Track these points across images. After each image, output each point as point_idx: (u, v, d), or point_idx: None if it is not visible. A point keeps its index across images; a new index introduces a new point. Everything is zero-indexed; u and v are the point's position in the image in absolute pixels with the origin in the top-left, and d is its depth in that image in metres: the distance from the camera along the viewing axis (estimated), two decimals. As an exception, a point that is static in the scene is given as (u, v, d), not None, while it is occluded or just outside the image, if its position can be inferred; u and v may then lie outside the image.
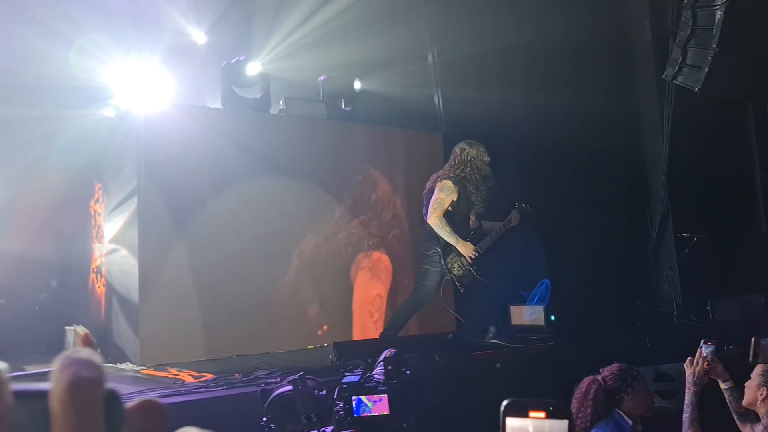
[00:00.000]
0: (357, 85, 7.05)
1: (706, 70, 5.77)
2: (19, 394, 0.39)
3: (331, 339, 5.12)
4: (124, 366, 5.31)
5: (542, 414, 0.76)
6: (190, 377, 4.27)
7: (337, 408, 1.86)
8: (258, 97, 6.32)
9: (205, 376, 4.22)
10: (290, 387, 2.07)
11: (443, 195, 5.09)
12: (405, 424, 1.77)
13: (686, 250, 6.84)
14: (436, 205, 5.09)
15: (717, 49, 5.66)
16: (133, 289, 5.44)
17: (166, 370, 4.76)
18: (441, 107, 7.23)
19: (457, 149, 5.32)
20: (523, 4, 7.10)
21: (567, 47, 7.08)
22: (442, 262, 5.15)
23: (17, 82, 6.62)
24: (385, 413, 1.77)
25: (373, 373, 1.93)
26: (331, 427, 1.87)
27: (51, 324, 6.91)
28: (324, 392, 2.04)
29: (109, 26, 6.80)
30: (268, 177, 6.11)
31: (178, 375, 4.46)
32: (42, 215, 7.43)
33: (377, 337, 5.60)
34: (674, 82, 6.28)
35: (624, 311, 6.66)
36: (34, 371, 3.31)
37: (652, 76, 7.53)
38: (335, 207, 6.50)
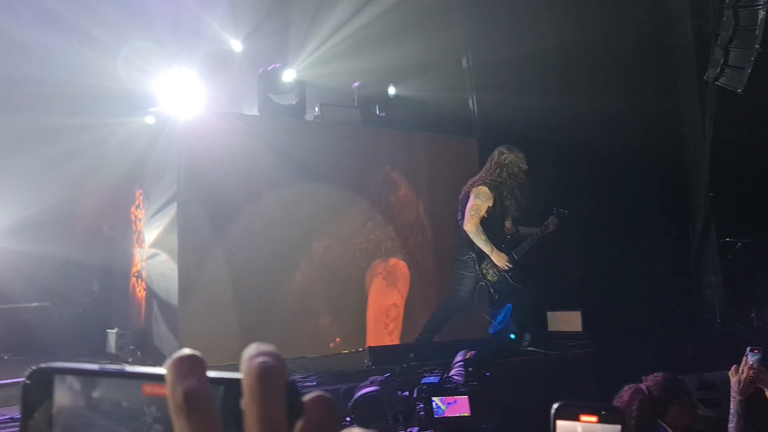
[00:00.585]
0: (391, 90, 7.07)
1: (749, 71, 5.62)
2: (214, 381, 0.43)
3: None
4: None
5: (594, 418, 0.75)
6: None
7: (417, 409, 1.87)
8: (294, 103, 6.40)
9: (243, 379, 4.26)
10: (375, 388, 2.08)
11: (479, 201, 5.06)
12: (484, 426, 1.77)
13: (730, 255, 6.66)
14: (472, 212, 5.06)
15: (760, 50, 5.51)
16: (173, 293, 5.55)
17: (205, 373, 4.83)
18: (476, 112, 7.20)
19: (495, 153, 5.29)
20: (560, 6, 7.03)
21: (605, 49, 6.98)
22: (477, 267, 5.13)
23: (62, 92, 6.83)
24: (466, 414, 1.78)
25: (452, 374, 1.94)
26: (417, 428, 1.88)
27: (93, 327, 7.10)
28: (407, 393, 2.05)
29: (149, 36, 6.98)
30: (304, 183, 6.17)
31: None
32: (86, 221, 7.64)
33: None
34: (716, 83, 6.14)
35: (664, 318, 6.52)
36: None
37: (693, 77, 7.37)
38: (373, 212, 6.52)
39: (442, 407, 1.78)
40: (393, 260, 6.55)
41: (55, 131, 6.88)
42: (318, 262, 6.14)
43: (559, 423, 0.75)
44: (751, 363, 2.64)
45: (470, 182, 5.24)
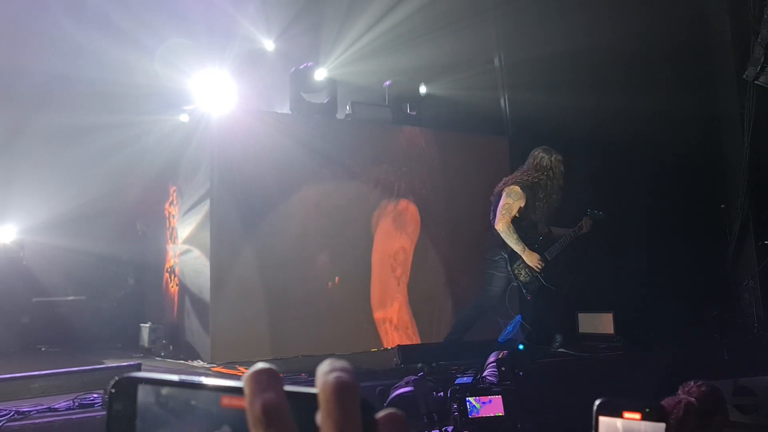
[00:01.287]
0: (422, 89, 7.06)
1: (791, 69, 5.48)
2: (291, 395, 0.43)
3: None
4: (195, 363, 5.50)
5: (637, 415, 0.74)
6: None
7: (452, 409, 1.86)
8: (325, 102, 6.43)
9: (273, 374, 4.30)
10: (410, 388, 2.09)
11: (511, 200, 5.02)
12: (519, 425, 1.77)
13: (768, 258, 6.50)
14: (504, 211, 5.03)
15: (802, 48, 5.37)
16: (205, 289, 5.63)
17: (236, 368, 4.89)
18: (507, 111, 7.15)
19: (533, 154, 5.22)
20: (594, 5, 6.93)
21: (640, 48, 6.87)
22: (509, 268, 5.09)
23: (100, 90, 6.98)
24: (500, 414, 1.78)
25: (485, 374, 1.94)
26: (451, 427, 1.88)
27: (127, 320, 7.24)
28: (442, 393, 2.05)
29: (184, 35, 7.09)
30: (335, 180, 6.20)
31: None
32: (122, 217, 7.79)
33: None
34: (756, 82, 5.99)
35: (699, 321, 6.39)
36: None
37: (732, 76, 7.21)
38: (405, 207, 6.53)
39: (477, 407, 1.77)
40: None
41: (93, 129, 7.04)
42: (350, 258, 6.17)
43: (602, 419, 0.75)
44: None
45: (504, 181, 5.21)
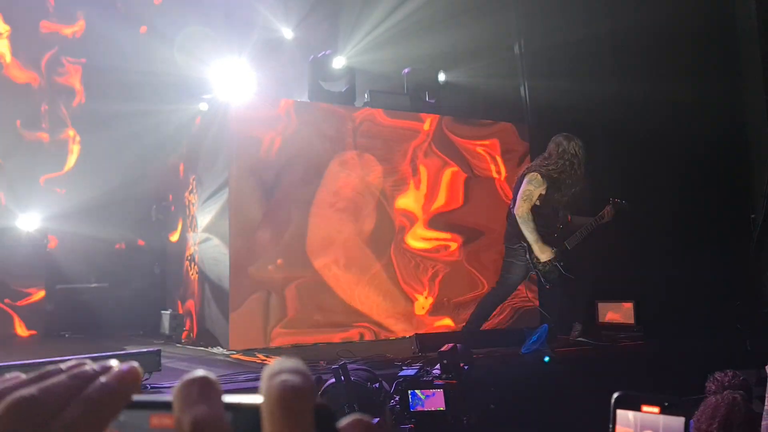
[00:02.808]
0: (441, 77, 7.01)
1: (820, 54, 5.34)
2: (229, 407, 0.36)
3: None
4: (215, 350, 5.55)
5: (656, 409, 0.73)
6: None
7: (393, 402, 1.83)
8: (344, 90, 6.42)
9: (291, 362, 4.33)
10: (332, 380, 2.05)
11: (532, 187, 4.97)
12: (465, 420, 1.75)
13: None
14: (524, 197, 4.98)
15: (832, 32, 5.22)
16: (224, 277, 5.67)
17: (255, 356, 4.94)
18: (527, 98, 7.07)
19: (556, 140, 5.15)
20: (615, -12, 6.82)
21: (663, 33, 6.74)
22: (528, 257, 5.04)
23: (119, 79, 7.04)
24: (441, 408, 1.76)
25: (433, 367, 1.91)
26: (377, 419, 1.84)
27: (149, 308, 7.33)
28: (377, 384, 2.01)
29: (203, 24, 7.11)
30: (354, 169, 6.19)
31: (265, 360, 4.61)
32: (143, 205, 7.87)
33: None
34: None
35: (721, 311, 6.30)
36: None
37: (758, 62, 7.04)
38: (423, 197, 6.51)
39: (421, 399, 1.76)
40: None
41: (115, 117, 7.11)
42: (372, 245, 6.17)
43: (620, 412, 0.73)
44: None
45: (526, 168, 5.16)
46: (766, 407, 2.45)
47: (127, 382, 0.38)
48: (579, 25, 6.52)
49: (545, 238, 4.98)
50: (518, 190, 5.04)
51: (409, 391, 1.78)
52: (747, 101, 7.37)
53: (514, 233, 5.10)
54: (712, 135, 7.06)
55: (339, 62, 6.44)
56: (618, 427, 0.69)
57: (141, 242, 7.84)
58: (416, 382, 1.80)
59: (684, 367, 4.65)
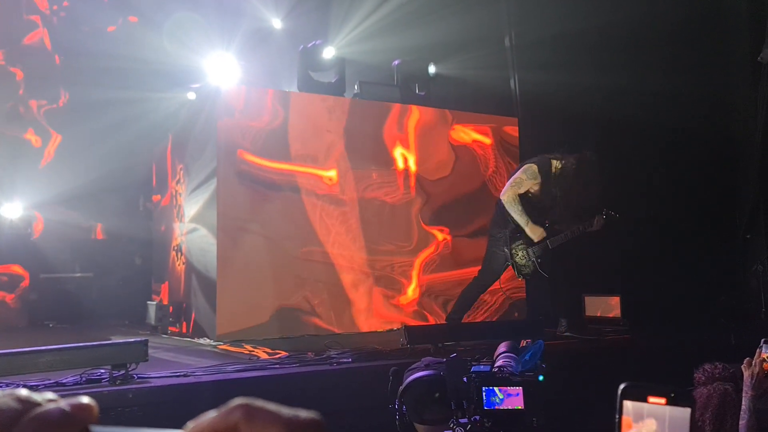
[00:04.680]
0: (431, 69, 6.98)
1: (808, 52, 5.38)
2: None
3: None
4: (202, 341, 5.52)
5: (663, 400, 0.72)
6: (265, 354, 4.39)
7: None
8: (333, 81, 6.38)
9: (279, 353, 4.33)
10: (431, 371, 1.94)
11: (524, 176, 4.99)
12: (535, 420, 1.69)
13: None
14: (514, 183, 5.00)
15: (820, 30, 5.26)
16: (212, 267, 5.63)
17: (242, 347, 4.91)
18: (517, 91, 7.07)
19: (573, 159, 5.02)
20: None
21: (652, 28, 6.77)
22: (507, 248, 5.05)
23: (106, 66, 6.95)
24: (519, 407, 1.69)
25: (502, 364, 1.83)
26: (477, 417, 1.76)
27: (134, 298, 7.28)
28: (465, 378, 1.91)
29: (192, 12, 7.03)
30: (342, 160, 6.16)
31: (253, 351, 4.59)
32: (128, 194, 7.80)
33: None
34: (771, 64, 5.90)
35: (706, 306, 6.36)
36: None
37: (746, 58, 7.09)
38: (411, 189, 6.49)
39: (500, 396, 1.68)
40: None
41: (100, 105, 7.02)
42: (357, 237, 6.15)
43: (626, 403, 0.73)
44: (765, 355, 2.44)
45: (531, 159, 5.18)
46: (743, 405, 2.46)
47: (85, 413, 0.36)
48: (569, 18, 6.52)
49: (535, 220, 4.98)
50: (512, 177, 5.08)
51: (484, 388, 1.70)
52: (734, 97, 7.43)
53: (499, 221, 5.11)
54: (701, 130, 7.10)
55: (329, 52, 6.40)
56: (624, 418, 0.68)
57: (127, 232, 7.76)
58: (494, 378, 1.72)
59: (669, 361, 4.69)
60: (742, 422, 2.43)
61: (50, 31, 7.36)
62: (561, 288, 5.39)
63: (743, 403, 2.43)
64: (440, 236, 6.58)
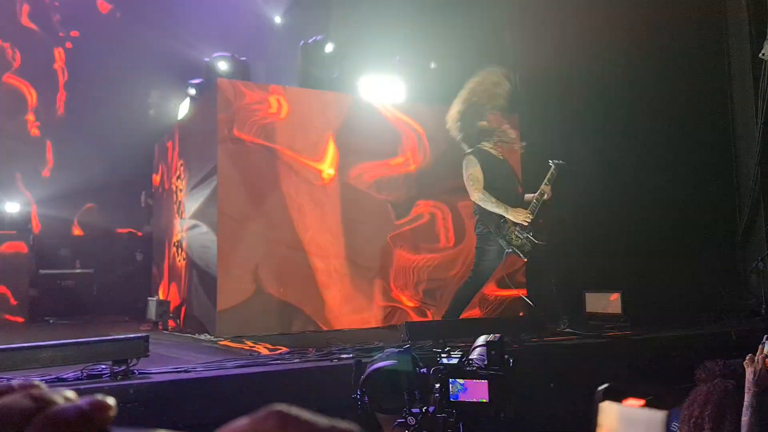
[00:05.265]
0: (432, 65, 6.96)
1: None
2: None
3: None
4: (202, 337, 5.52)
5: (640, 402, 0.72)
6: (266, 350, 4.39)
7: (434, 389, 1.77)
8: (334, 77, 6.36)
9: (280, 349, 4.32)
10: (390, 362, 1.98)
11: (471, 170, 5.06)
12: (503, 414, 1.70)
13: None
14: (471, 182, 5.05)
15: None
16: (212, 264, 5.62)
17: (243, 342, 4.90)
18: (518, 87, 7.05)
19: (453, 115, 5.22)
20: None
21: (654, 22, 6.75)
22: (499, 238, 5.06)
23: (109, 63, 6.93)
24: (484, 400, 1.71)
25: (473, 357, 1.84)
26: (433, 408, 1.80)
27: (135, 294, 7.27)
28: (425, 369, 1.95)
29: (193, 8, 7.01)
30: (344, 156, 6.15)
31: (254, 347, 4.59)
32: (130, 190, 7.79)
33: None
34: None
35: (707, 302, 6.36)
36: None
37: (747, 54, 7.08)
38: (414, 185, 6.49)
39: (463, 389, 1.71)
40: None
41: (103, 100, 7.01)
42: (358, 233, 6.15)
43: (603, 405, 0.72)
44: (767, 352, 2.44)
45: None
46: (746, 402, 2.45)
47: (104, 413, 0.35)
48: (571, 14, 6.51)
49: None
50: (464, 178, 5.13)
51: (450, 380, 1.73)
52: (735, 94, 7.42)
53: (479, 220, 5.14)
54: (701, 125, 7.10)
55: (330, 48, 6.38)
56: (602, 417, 0.68)
57: (139, 233, 7.75)
58: (460, 370, 1.74)
59: (670, 357, 4.69)
60: (744, 419, 2.42)
61: (51, 30, 7.34)
62: (561, 285, 5.38)
63: (746, 399, 2.43)
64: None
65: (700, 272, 6.68)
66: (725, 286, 6.75)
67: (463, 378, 1.73)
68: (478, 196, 5.04)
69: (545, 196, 5.11)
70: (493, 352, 1.77)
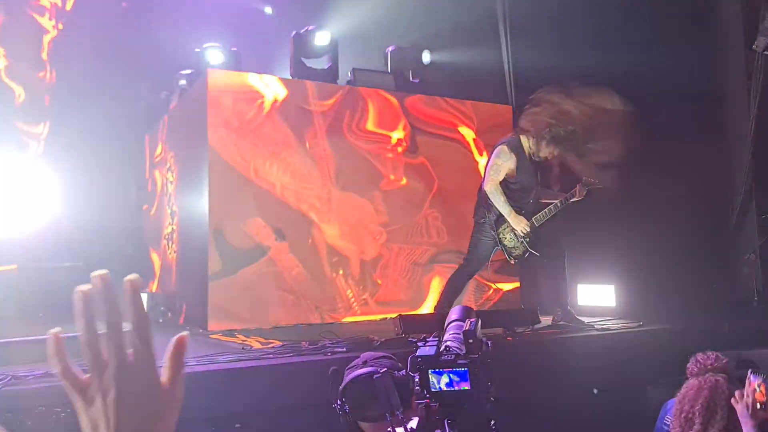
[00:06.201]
0: (426, 57, 6.91)
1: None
2: None
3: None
4: (194, 331, 5.47)
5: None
6: (258, 344, 4.35)
7: (414, 383, 1.73)
8: (326, 67, 6.30)
9: (273, 342, 4.29)
10: (370, 368, 1.93)
11: (500, 161, 4.93)
12: (492, 399, 1.67)
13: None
14: (491, 172, 4.95)
15: (817, 17, 5.24)
16: (203, 256, 5.57)
17: (235, 336, 4.87)
18: (512, 78, 7.03)
19: (529, 113, 5.10)
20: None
21: (647, 12, 6.73)
22: (494, 231, 5.01)
23: (98, 53, 6.84)
24: (466, 388, 1.67)
25: (446, 338, 1.79)
26: (416, 419, 1.76)
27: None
28: (404, 371, 1.89)
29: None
30: (335, 147, 6.10)
31: (246, 341, 4.55)
32: (119, 182, 7.70)
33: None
34: (766, 53, 5.87)
35: (698, 294, 6.37)
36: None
37: (739, 46, 7.06)
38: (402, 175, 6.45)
39: (445, 379, 1.67)
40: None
41: (92, 92, 6.92)
42: (351, 223, 6.11)
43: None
44: (758, 383, 2.41)
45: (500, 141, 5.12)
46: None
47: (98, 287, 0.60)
48: (563, 5, 6.47)
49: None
50: (487, 164, 5.04)
51: (430, 371, 1.69)
52: (727, 86, 7.41)
53: (482, 207, 5.07)
54: (693, 118, 7.09)
55: (322, 38, 6.31)
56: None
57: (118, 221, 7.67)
58: (439, 361, 1.70)
59: (663, 349, 4.69)
60: (739, 406, 2.41)
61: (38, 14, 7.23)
62: (554, 277, 5.36)
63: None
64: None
65: (693, 264, 6.69)
66: (718, 277, 6.76)
67: (441, 368, 1.69)
68: (490, 188, 4.94)
69: (559, 209, 5.00)
70: (471, 341, 1.72)
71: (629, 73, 6.51)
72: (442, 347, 1.73)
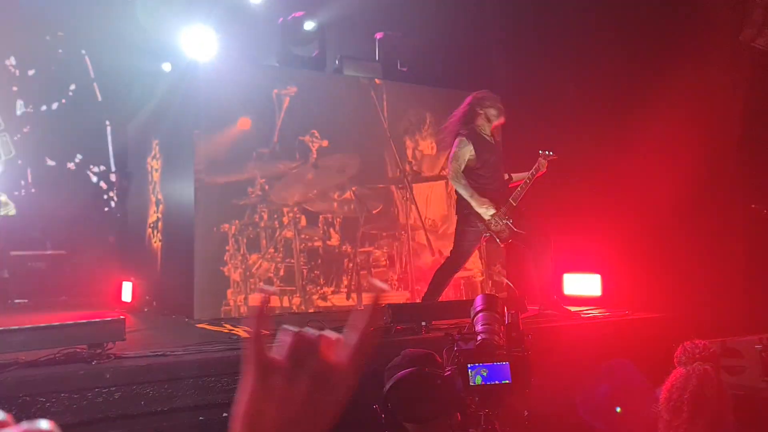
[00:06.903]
0: (413, 44, 6.86)
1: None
2: None
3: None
4: (180, 319, 5.43)
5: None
6: (245, 333, 4.31)
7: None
8: (314, 55, 6.24)
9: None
10: (416, 367, 1.84)
11: (458, 150, 4.99)
12: (527, 392, 1.63)
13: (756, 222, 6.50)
14: (452, 159, 5.01)
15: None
16: (190, 245, 5.52)
17: (222, 326, 4.83)
18: (498, 66, 7.01)
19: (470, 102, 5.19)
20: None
21: (633, 6, 6.74)
22: (479, 221, 5.03)
23: (80, 40, 6.72)
24: (507, 382, 1.62)
25: (482, 331, 1.73)
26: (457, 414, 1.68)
27: (109, 276, 7.13)
28: (449, 371, 1.78)
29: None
30: (323, 135, 6.06)
31: (233, 330, 4.52)
32: (102, 170, 7.60)
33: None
34: (753, 45, 5.90)
35: (685, 283, 6.42)
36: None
37: (727, 38, 7.09)
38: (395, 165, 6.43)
39: (483, 373, 1.62)
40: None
41: (74, 79, 6.80)
42: (339, 211, 6.09)
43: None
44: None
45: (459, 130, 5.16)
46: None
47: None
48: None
49: (485, 194, 4.98)
50: (449, 156, 5.09)
51: (469, 365, 1.63)
52: (713, 78, 7.44)
53: (461, 199, 5.10)
54: (678, 111, 7.12)
55: (310, 26, 6.24)
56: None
57: (101, 209, 7.57)
58: (480, 355, 1.64)
59: (649, 338, 4.73)
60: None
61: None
62: (534, 253, 5.36)
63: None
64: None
65: (679, 254, 6.74)
66: (702, 266, 6.81)
67: (482, 361, 1.64)
68: (451, 174, 5.02)
69: (529, 185, 5.09)
70: (513, 334, 1.68)
71: (614, 67, 6.52)
72: (478, 339, 1.67)
